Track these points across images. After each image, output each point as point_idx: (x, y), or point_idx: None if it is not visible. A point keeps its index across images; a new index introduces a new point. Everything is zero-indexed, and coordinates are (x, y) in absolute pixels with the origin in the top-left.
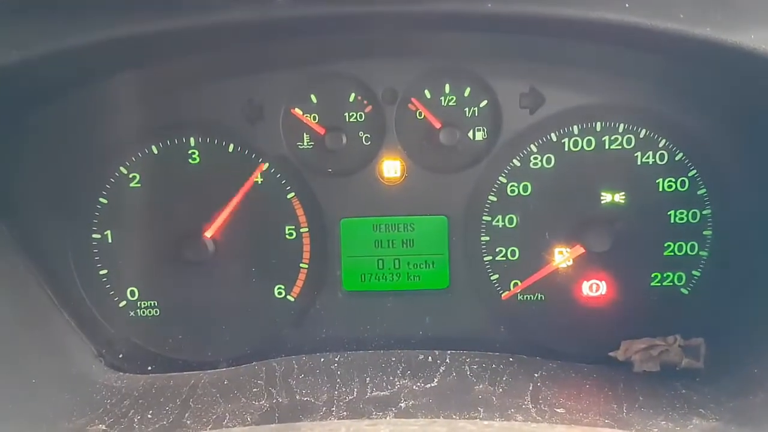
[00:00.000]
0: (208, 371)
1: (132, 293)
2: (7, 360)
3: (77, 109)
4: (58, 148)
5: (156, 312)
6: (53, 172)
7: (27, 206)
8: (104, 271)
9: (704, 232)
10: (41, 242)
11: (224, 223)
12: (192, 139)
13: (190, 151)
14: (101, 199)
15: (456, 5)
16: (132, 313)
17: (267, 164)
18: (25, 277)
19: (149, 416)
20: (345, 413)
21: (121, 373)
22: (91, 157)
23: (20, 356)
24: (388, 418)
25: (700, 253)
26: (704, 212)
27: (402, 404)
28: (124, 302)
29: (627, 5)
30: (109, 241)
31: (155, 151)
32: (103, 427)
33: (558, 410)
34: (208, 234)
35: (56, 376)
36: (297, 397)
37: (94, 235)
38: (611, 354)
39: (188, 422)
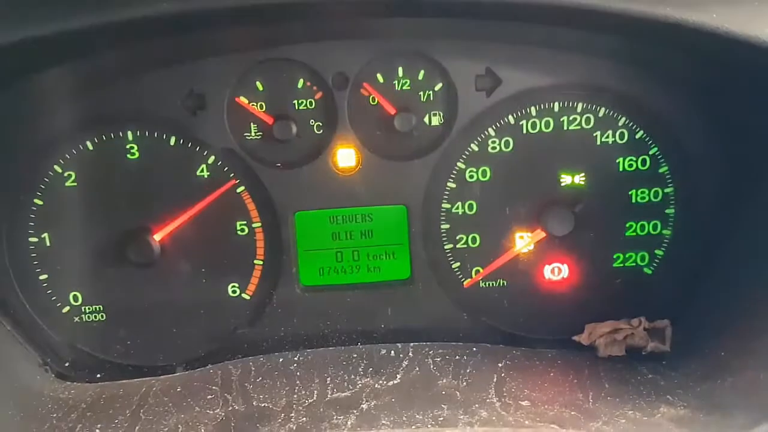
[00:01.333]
0: (161, 377)
1: (75, 298)
2: None
3: (3, 106)
4: None
5: (101, 317)
6: None
7: None
8: (44, 276)
9: (667, 211)
10: None
11: (173, 225)
12: (129, 133)
13: (128, 146)
14: (36, 201)
15: None
16: (77, 319)
17: (213, 157)
18: None
19: (98, 431)
20: (304, 419)
21: (69, 383)
22: (21, 155)
23: None
24: (348, 423)
25: (663, 232)
26: (666, 190)
27: (364, 405)
28: (67, 308)
29: None
30: (48, 244)
31: (90, 147)
32: None
33: (523, 403)
34: (158, 237)
35: None
36: (254, 403)
37: (30, 239)
38: (575, 338)
39: None
